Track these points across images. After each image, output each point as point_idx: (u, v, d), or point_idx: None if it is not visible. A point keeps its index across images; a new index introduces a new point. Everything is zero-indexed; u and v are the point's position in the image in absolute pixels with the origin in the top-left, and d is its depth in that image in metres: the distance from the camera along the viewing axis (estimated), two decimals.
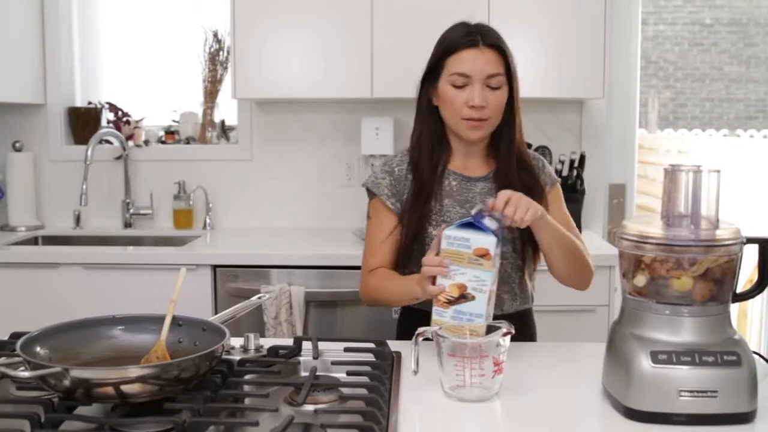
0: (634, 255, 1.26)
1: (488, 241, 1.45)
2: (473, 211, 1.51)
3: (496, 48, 1.69)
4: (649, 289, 1.25)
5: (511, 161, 1.76)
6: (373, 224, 1.83)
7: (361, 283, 1.81)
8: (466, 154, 1.79)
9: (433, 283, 1.49)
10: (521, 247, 1.75)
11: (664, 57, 5.79)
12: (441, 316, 1.49)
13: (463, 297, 1.47)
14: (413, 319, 1.74)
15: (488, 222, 1.49)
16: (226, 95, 3.23)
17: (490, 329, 1.35)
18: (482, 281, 1.46)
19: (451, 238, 1.47)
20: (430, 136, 1.78)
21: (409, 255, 1.75)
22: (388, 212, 1.80)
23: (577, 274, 1.74)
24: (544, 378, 1.43)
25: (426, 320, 1.50)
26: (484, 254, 1.45)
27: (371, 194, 1.84)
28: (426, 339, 1.35)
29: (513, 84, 1.72)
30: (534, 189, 1.75)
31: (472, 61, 1.67)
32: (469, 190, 1.78)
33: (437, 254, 1.49)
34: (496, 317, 1.71)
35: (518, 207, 1.51)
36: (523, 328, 1.81)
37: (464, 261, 1.46)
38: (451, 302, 1.48)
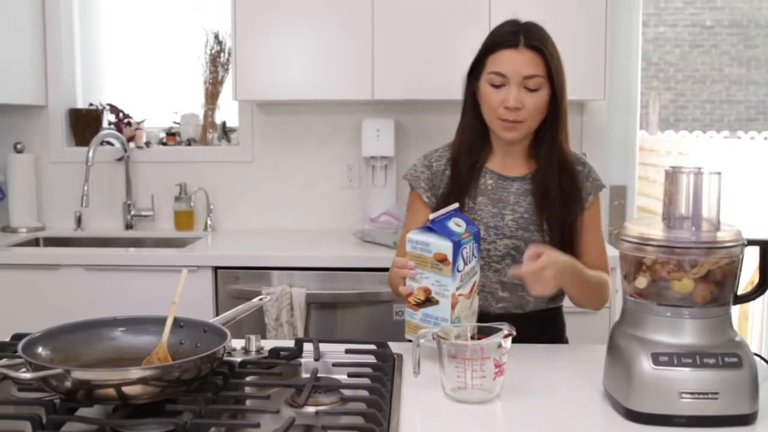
0: (635, 257, 1.26)
1: (445, 247, 1.42)
2: (436, 214, 1.48)
3: (536, 49, 1.66)
4: (650, 291, 1.25)
5: (552, 165, 1.73)
6: (408, 216, 1.85)
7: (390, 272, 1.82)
8: (506, 153, 1.78)
9: (404, 284, 1.49)
10: (514, 254, 1.74)
11: (664, 59, 5.79)
12: (412, 317, 1.49)
13: (428, 300, 1.46)
14: None
15: (452, 225, 1.46)
16: (227, 97, 3.23)
17: (491, 331, 1.35)
18: (443, 286, 1.44)
19: (413, 241, 1.46)
20: (472, 132, 1.77)
21: None
22: (423, 206, 1.80)
23: (593, 304, 1.75)
24: (545, 379, 1.43)
25: None
26: (442, 259, 1.43)
27: (410, 187, 1.85)
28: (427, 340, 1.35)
29: (556, 86, 1.68)
30: (573, 197, 1.73)
31: (510, 61, 1.66)
32: (504, 189, 1.77)
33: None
34: (520, 315, 1.73)
35: (534, 282, 1.50)
36: (550, 328, 1.81)
37: (427, 265, 1.45)
38: (418, 304, 1.48)
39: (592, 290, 1.70)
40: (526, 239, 1.72)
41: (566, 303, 1.87)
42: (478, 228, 1.54)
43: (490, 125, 1.74)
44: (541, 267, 1.49)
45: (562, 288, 1.65)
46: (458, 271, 1.44)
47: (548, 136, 1.74)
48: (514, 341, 1.32)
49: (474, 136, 1.78)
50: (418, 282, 1.47)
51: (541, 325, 1.78)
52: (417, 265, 1.46)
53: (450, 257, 1.42)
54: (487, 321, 1.45)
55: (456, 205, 1.53)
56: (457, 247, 1.43)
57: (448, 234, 1.44)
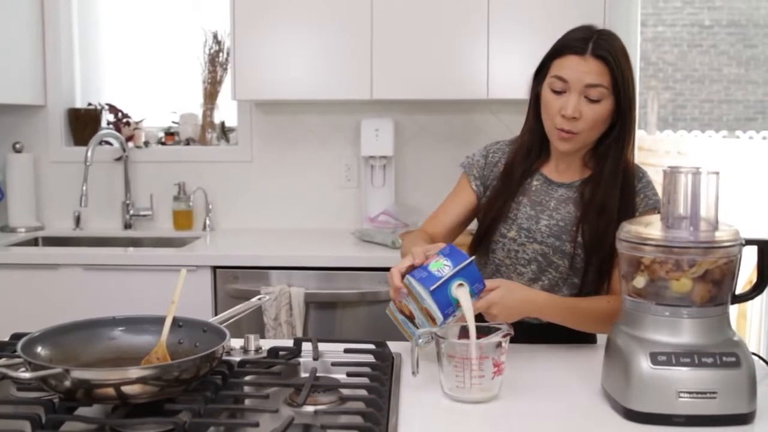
0: (633, 256, 1.26)
1: (437, 315, 1.39)
2: (445, 272, 1.40)
3: (603, 59, 1.59)
4: (648, 291, 1.25)
5: (615, 179, 1.65)
6: (450, 196, 1.84)
7: (406, 237, 1.83)
8: (560, 158, 1.73)
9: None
10: (582, 266, 1.66)
11: (663, 58, 5.80)
12: (395, 312, 1.51)
13: (411, 319, 1.47)
14: None
15: (453, 291, 1.39)
16: (226, 96, 3.23)
17: (490, 330, 1.35)
18: (426, 325, 1.43)
19: (411, 283, 1.43)
20: (532, 135, 1.73)
21: (477, 247, 1.76)
22: (469, 190, 1.80)
23: (591, 331, 1.67)
24: (544, 379, 1.43)
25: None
26: (432, 317, 1.41)
27: (464, 171, 1.84)
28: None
29: (622, 98, 1.61)
30: (625, 214, 1.62)
31: (574, 68, 1.59)
32: (547, 193, 1.72)
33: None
34: (553, 325, 1.63)
35: (490, 315, 1.47)
36: (576, 332, 1.70)
37: (418, 306, 1.43)
38: (402, 312, 1.49)
39: (587, 321, 1.61)
40: (555, 247, 1.67)
41: None
42: (483, 286, 1.45)
43: (547, 132, 1.68)
44: (487, 304, 1.45)
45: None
46: (445, 323, 1.41)
47: (613, 149, 1.66)
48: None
49: (534, 140, 1.73)
50: (407, 302, 1.46)
51: (569, 331, 1.69)
52: (408, 295, 1.45)
53: (439, 322, 1.40)
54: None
55: (471, 259, 1.44)
56: (448, 317, 1.40)
57: (443, 305, 1.39)
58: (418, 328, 1.45)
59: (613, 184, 1.65)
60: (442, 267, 1.41)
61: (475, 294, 1.43)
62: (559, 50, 1.64)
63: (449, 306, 1.40)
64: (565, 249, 1.67)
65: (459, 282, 1.40)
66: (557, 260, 1.68)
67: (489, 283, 1.46)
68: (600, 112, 1.61)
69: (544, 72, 1.67)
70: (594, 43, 1.60)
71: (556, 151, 1.72)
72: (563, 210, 1.70)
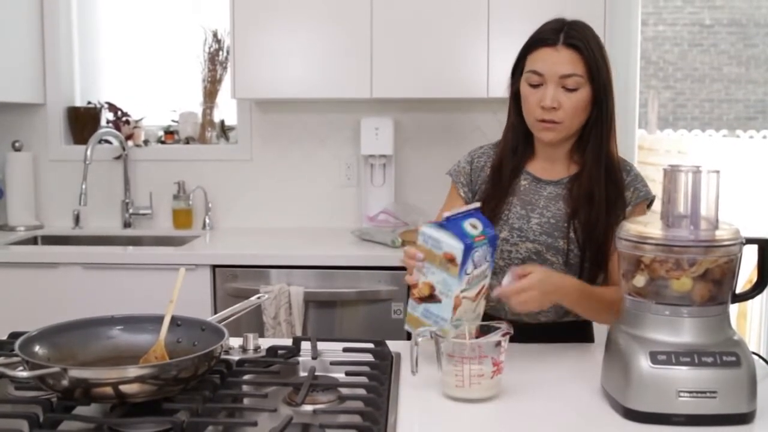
0: (633, 255, 1.26)
1: (456, 248, 1.38)
2: (454, 211, 1.43)
3: (575, 47, 1.60)
4: (648, 290, 1.24)
5: (597, 168, 1.66)
6: (445, 205, 1.81)
7: None
8: (547, 156, 1.74)
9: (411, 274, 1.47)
10: (577, 262, 1.66)
11: (663, 57, 5.80)
12: (414, 310, 1.46)
13: (431, 297, 1.43)
14: None
15: (467, 226, 1.41)
16: (226, 95, 3.23)
17: (489, 330, 1.35)
18: (448, 286, 1.40)
19: (425, 235, 1.42)
20: (515, 133, 1.73)
21: None
22: (458, 200, 1.78)
23: (601, 321, 1.66)
24: (543, 378, 1.43)
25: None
26: (451, 260, 1.39)
27: (452, 180, 1.83)
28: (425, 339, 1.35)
29: (599, 86, 1.62)
30: (614, 205, 1.65)
31: (547, 60, 1.61)
32: (536, 192, 1.72)
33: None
34: (549, 325, 1.69)
35: (516, 301, 1.46)
36: (574, 332, 1.74)
37: (435, 261, 1.41)
38: (422, 299, 1.44)
39: (599, 309, 1.60)
40: (548, 245, 1.67)
41: None
42: (495, 233, 1.47)
43: (530, 126, 1.69)
44: (525, 287, 1.45)
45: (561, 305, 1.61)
46: (466, 274, 1.39)
47: (592, 138, 1.67)
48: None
49: (517, 137, 1.73)
50: (424, 276, 1.43)
51: (568, 331, 1.73)
52: (426, 258, 1.42)
53: (459, 259, 1.37)
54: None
55: (477, 204, 1.48)
56: (468, 249, 1.38)
57: (461, 235, 1.39)
58: (440, 301, 1.41)
59: (596, 170, 1.66)
60: (450, 215, 1.42)
61: (489, 239, 1.42)
62: (531, 45, 1.66)
63: (466, 236, 1.39)
64: (558, 246, 1.67)
65: (471, 222, 1.41)
66: (551, 257, 1.67)
67: (521, 268, 1.48)
68: (578, 100, 1.62)
69: (520, 68, 1.69)
70: (565, 33, 1.62)
71: (542, 146, 1.73)
72: (553, 207, 1.70)
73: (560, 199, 1.70)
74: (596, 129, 1.67)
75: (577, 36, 1.62)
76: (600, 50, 1.64)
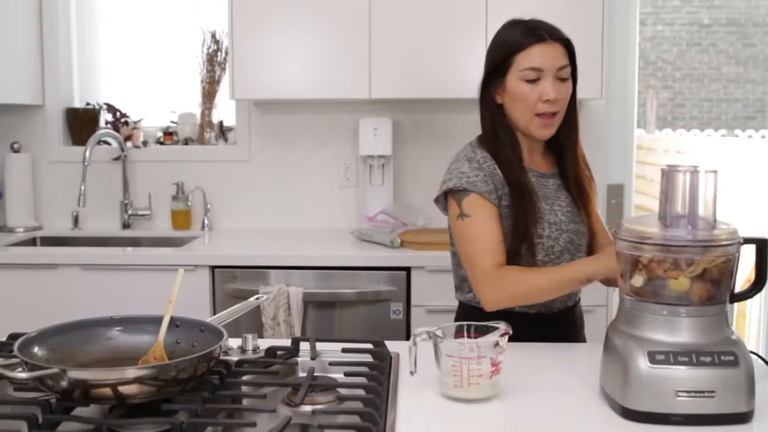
0: (631, 255, 1.26)
1: None
2: None
3: (561, 41, 1.70)
4: (646, 290, 1.25)
5: (575, 157, 1.78)
6: (478, 221, 1.66)
7: (486, 285, 1.63)
8: (531, 150, 1.78)
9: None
10: (589, 237, 1.79)
11: (662, 57, 5.80)
12: None
13: None
14: (469, 313, 1.75)
15: None
16: (224, 96, 3.23)
17: (487, 330, 1.35)
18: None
19: None
20: (504, 131, 1.75)
21: (515, 255, 1.67)
22: (492, 207, 1.67)
23: None
24: (542, 378, 1.43)
25: (481, 316, 1.54)
26: None
27: (463, 192, 1.68)
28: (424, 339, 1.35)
29: (575, 78, 1.74)
30: (591, 186, 1.81)
31: (544, 54, 1.67)
32: (545, 186, 1.76)
33: None
34: (549, 315, 1.74)
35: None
36: (573, 326, 1.82)
37: None
38: None
39: None
40: (576, 231, 1.75)
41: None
42: None
43: (525, 124, 1.70)
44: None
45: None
46: None
47: (571, 127, 1.77)
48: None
49: (509, 137, 1.74)
50: None
51: (566, 324, 1.79)
52: None
53: None
54: (516, 322, 1.37)
55: None
56: None
57: None
58: None
59: (575, 156, 1.79)
60: None
61: None
62: (519, 45, 1.69)
63: None
64: (582, 231, 1.76)
65: None
66: (580, 242, 1.76)
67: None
68: (568, 91, 1.72)
69: (503, 72, 1.70)
70: (546, 30, 1.70)
71: (527, 142, 1.76)
72: (563, 197, 1.77)
73: (563, 189, 1.78)
74: (573, 119, 1.76)
75: (555, 29, 1.72)
76: (572, 42, 1.75)
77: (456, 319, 1.87)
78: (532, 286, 1.61)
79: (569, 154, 1.78)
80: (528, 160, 1.77)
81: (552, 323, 1.75)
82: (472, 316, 1.58)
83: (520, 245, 1.67)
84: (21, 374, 1.16)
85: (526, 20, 1.74)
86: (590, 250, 1.82)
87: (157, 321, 1.37)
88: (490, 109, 1.76)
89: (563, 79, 1.69)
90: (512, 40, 1.70)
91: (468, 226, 1.67)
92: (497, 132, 1.74)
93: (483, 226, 1.66)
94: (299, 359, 1.48)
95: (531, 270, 1.65)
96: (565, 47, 1.70)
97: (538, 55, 1.67)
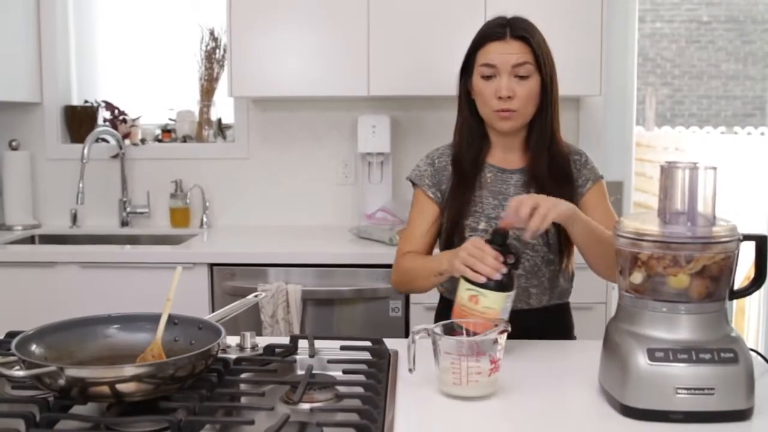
0: (630, 252, 1.26)
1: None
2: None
3: (522, 39, 1.70)
4: (645, 287, 1.24)
5: (541, 153, 1.76)
6: (414, 213, 1.85)
7: (393, 268, 1.82)
8: (505, 147, 1.80)
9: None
10: (555, 240, 1.74)
11: (661, 54, 5.80)
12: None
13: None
14: (446, 305, 1.77)
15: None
16: (223, 93, 3.22)
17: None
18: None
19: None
20: (469, 128, 1.80)
21: (449, 246, 1.74)
22: (428, 201, 1.82)
23: (609, 260, 1.60)
24: (541, 376, 1.43)
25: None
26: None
27: (414, 185, 1.86)
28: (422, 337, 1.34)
29: (544, 74, 1.72)
30: (565, 185, 1.75)
31: (498, 52, 1.70)
32: (504, 182, 1.79)
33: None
34: (523, 311, 1.72)
35: (535, 216, 1.47)
36: (554, 324, 1.81)
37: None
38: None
39: (607, 246, 1.54)
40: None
41: (571, 299, 1.87)
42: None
43: (487, 119, 1.76)
44: (526, 201, 1.48)
45: (571, 237, 1.62)
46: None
47: (536, 126, 1.76)
48: (518, 338, 1.28)
49: (472, 133, 1.80)
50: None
51: (547, 322, 1.78)
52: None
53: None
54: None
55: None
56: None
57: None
58: None
59: (549, 157, 1.76)
60: None
61: None
62: (480, 41, 1.74)
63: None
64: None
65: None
66: (532, 239, 1.69)
67: (516, 199, 1.51)
68: (530, 88, 1.71)
69: (470, 67, 1.76)
70: (510, 27, 1.71)
71: (499, 137, 1.79)
72: (524, 193, 1.73)
73: (528, 186, 1.77)
74: (540, 117, 1.75)
75: (523, 26, 1.72)
76: (543, 41, 1.74)
77: (437, 311, 1.91)
78: (408, 272, 1.75)
79: (532, 152, 1.77)
80: (497, 157, 1.80)
81: (530, 319, 1.71)
82: (448, 309, 1.59)
83: (452, 236, 1.76)
84: (18, 372, 1.15)
85: (497, 18, 1.76)
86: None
87: (155, 319, 1.36)
88: (461, 105, 1.82)
89: (522, 77, 1.69)
90: (476, 38, 1.76)
91: (410, 215, 1.86)
92: (462, 126, 1.82)
93: (413, 217, 1.84)
94: (298, 357, 1.48)
95: (418, 257, 1.76)
96: (529, 45, 1.70)
97: (492, 52, 1.70)
